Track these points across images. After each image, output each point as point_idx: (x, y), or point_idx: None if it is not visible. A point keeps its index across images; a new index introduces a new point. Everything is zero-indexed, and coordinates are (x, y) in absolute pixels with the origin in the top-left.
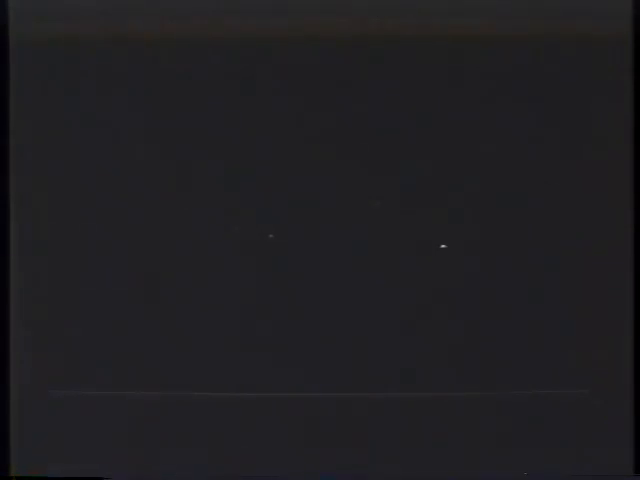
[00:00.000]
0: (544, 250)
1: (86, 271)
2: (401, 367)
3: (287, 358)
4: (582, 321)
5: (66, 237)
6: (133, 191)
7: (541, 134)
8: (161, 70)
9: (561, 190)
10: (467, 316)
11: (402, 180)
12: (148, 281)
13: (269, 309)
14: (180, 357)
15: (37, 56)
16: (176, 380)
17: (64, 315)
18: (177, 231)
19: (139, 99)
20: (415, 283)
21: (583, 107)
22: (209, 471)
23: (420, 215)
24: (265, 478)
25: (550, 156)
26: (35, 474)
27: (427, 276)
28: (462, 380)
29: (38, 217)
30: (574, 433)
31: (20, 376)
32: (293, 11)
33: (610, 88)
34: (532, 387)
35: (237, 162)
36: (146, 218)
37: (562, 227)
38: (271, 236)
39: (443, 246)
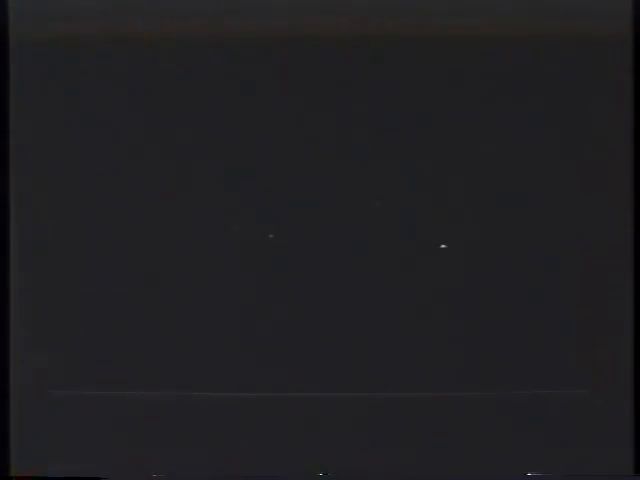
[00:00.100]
0: (544, 250)
1: (86, 271)
2: (401, 367)
3: (287, 358)
4: (582, 321)
5: (66, 237)
6: (133, 191)
7: (541, 134)
8: (161, 70)
9: (561, 190)
10: (467, 316)
11: (402, 180)
12: (148, 281)
13: (269, 309)
14: (180, 357)
15: (37, 56)
16: (176, 380)
17: (64, 315)
18: (177, 231)
19: (139, 99)
20: (415, 283)
21: (583, 107)
22: (209, 471)
23: (420, 215)
24: (265, 478)
25: (550, 156)
26: (35, 474)
27: (427, 276)
28: (462, 380)
29: (38, 217)
30: (574, 433)
31: (20, 376)
32: (293, 11)
33: (610, 88)
34: (532, 387)
35: (237, 162)
36: (146, 218)
37: (562, 227)
38: (271, 236)
39: (443, 246)
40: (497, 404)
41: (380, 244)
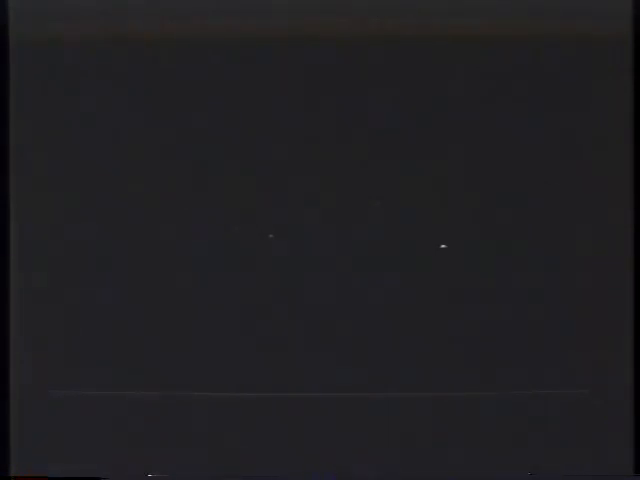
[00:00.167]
0: (544, 250)
1: (86, 271)
2: (401, 367)
3: (287, 358)
4: (582, 321)
5: (66, 237)
6: (133, 191)
7: (541, 134)
8: (161, 70)
9: (561, 190)
10: (467, 316)
11: (402, 180)
12: (148, 281)
13: (269, 309)
14: (180, 357)
15: (37, 56)
16: (176, 380)
17: (64, 315)
18: (177, 231)
19: (139, 99)
20: (414, 283)
21: (583, 107)
22: (209, 471)
23: (420, 215)
24: (265, 478)
25: (550, 156)
26: (35, 474)
27: (427, 276)
28: (462, 380)
29: (38, 217)
30: (574, 433)
31: (20, 376)
32: (293, 11)
33: (610, 88)
34: (532, 387)
35: (237, 162)
36: (146, 218)
37: (562, 227)
38: (271, 236)
39: (443, 246)
40: (497, 404)
41: (380, 244)
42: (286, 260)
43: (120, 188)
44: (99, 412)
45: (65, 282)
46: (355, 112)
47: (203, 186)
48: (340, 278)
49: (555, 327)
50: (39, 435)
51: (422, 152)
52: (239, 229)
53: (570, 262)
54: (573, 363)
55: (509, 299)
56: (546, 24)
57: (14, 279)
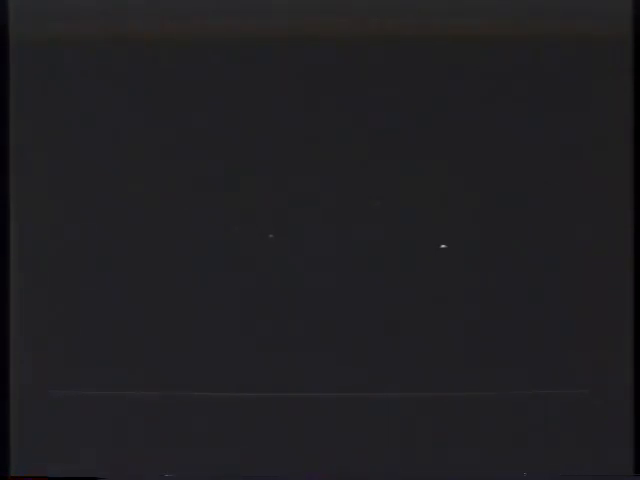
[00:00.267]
0: (544, 250)
1: (86, 271)
2: (401, 367)
3: (287, 358)
4: (582, 321)
5: (66, 237)
6: (133, 191)
7: (541, 134)
8: (161, 70)
9: (561, 190)
10: (467, 316)
11: (402, 180)
12: (148, 281)
13: (269, 309)
14: (180, 357)
15: (37, 56)
16: (176, 380)
17: (64, 315)
18: (177, 231)
19: (139, 99)
20: (414, 283)
21: (583, 107)
22: (209, 471)
23: (420, 215)
24: (265, 478)
25: (550, 156)
26: (35, 474)
27: (427, 276)
28: (462, 380)
29: (38, 217)
30: (574, 433)
31: (20, 376)
32: (293, 11)
33: (610, 88)
34: (532, 387)
35: (237, 162)
36: (146, 218)
37: (562, 227)
38: (271, 236)
39: (443, 246)
40: (497, 404)
41: (379, 244)
42: (286, 260)
43: (120, 188)
44: (99, 412)
45: (65, 282)
46: (355, 112)
47: (203, 186)
48: (340, 278)
49: (555, 327)
50: (39, 435)
51: (422, 152)
52: (239, 229)
53: (570, 262)
54: (573, 363)
55: (509, 299)
56: (546, 24)
57: (14, 279)
